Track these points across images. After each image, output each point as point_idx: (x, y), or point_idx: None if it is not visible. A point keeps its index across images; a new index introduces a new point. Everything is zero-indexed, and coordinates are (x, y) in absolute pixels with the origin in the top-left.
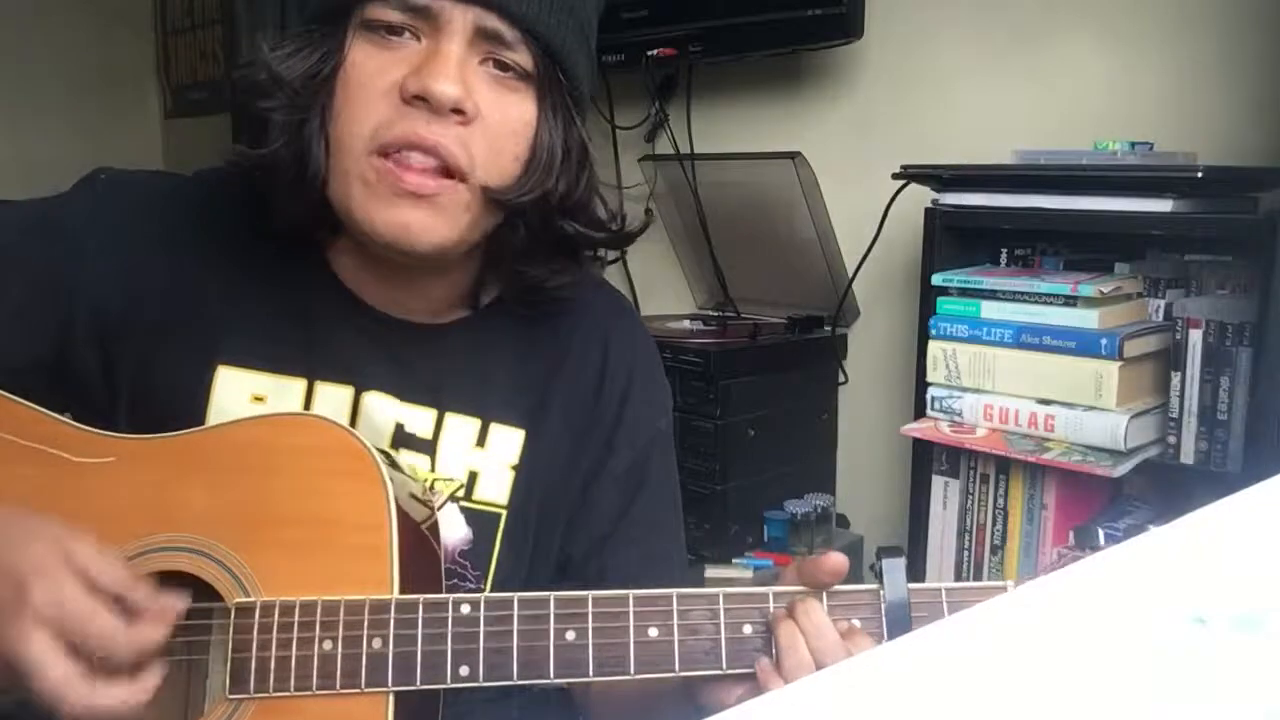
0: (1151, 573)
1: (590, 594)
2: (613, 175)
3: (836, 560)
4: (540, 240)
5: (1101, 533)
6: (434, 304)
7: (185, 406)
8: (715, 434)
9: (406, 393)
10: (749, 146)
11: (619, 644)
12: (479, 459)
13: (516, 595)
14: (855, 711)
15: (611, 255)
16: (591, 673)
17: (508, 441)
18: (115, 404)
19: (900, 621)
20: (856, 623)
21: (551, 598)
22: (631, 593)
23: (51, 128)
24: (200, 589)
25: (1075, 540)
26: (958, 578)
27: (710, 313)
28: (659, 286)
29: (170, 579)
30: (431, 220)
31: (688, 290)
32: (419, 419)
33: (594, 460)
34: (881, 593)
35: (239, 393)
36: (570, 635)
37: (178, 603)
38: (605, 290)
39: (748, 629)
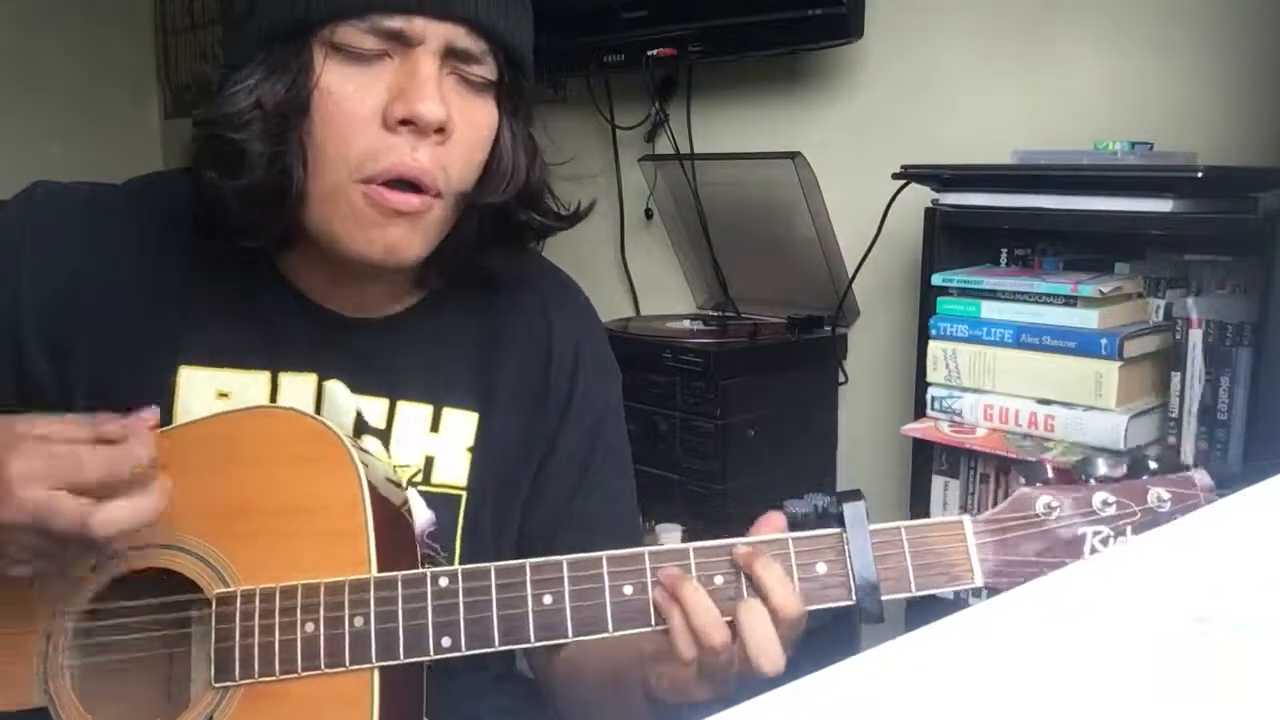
0: (1151, 573)
1: (564, 559)
2: (613, 173)
3: (774, 520)
4: (497, 230)
5: (1049, 466)
6: (382, 296)
7: None
8: (715, 434)
9: (359, 384)
10: (749, 146)
11: (596, 605)
12: (434, 443)
13: (493, 565)
14: (854, 711)
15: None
16: (571, 634)
17: (462, 425)
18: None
19: (864, 561)
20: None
21: (527, 565)
22: (604, 554)
23: (51, 128)
24: (181, 585)
25: (1024, 477)
26: None
27: (710, 313)
28: (659, 286)
29: (150, 577)
30: (412, 237)
31: (688, 290)
32: (372, 408)
33: (547, 438)
34: (844, 536)
35: (204, 391)
36: (548, 600)
37: (148, 413)
38: (546, 268)
39: (719, 580)
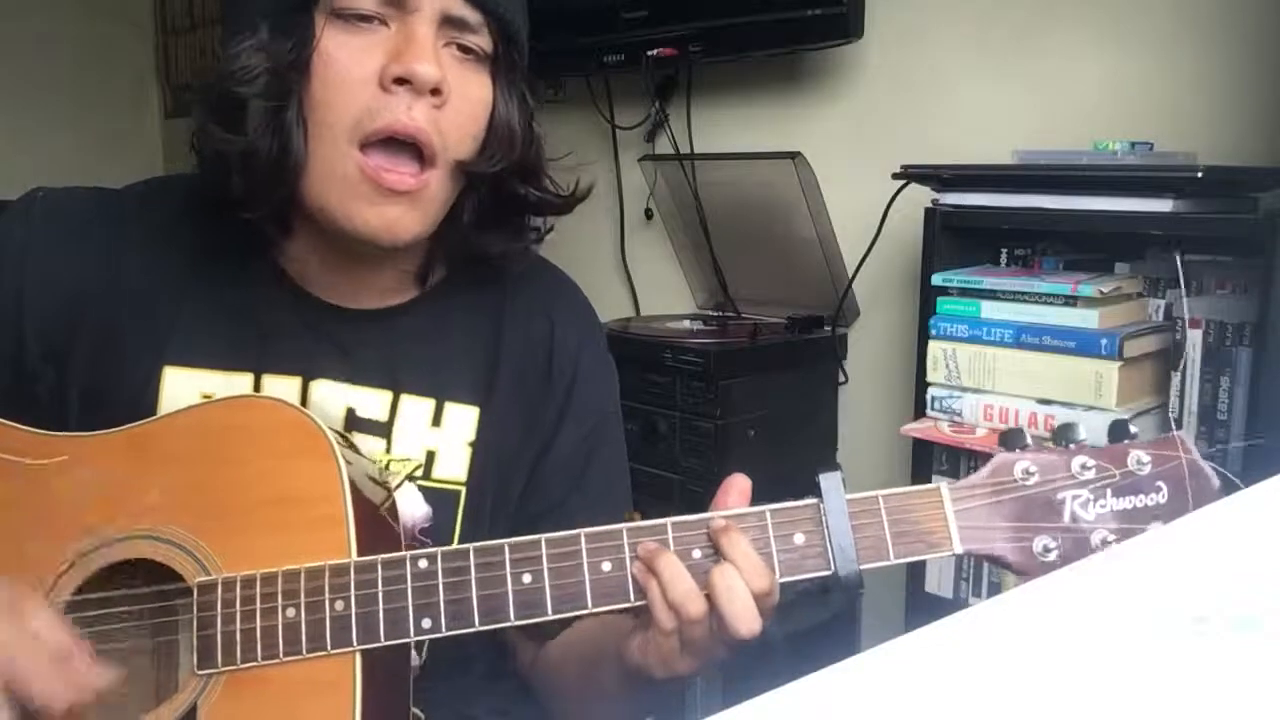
0: (1152, 573)
1: (543, 537)
2: (613, 173)
3: (739, 483)
4: (493, 208)
5: (1028, 432)
6: (383, 290)
7: (135, 411)
8: (715, 434)
9: (358, 377)
10: (749, 146)
11: (575, 581)
12: (436, 438)
13: (472, 546)
14: (854, 711)
15: (548, 225)
16: (550, 611)
17: (463, 419)
18: (66, 416)
19: (841, 529)
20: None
21: (506, 544)
22: (582, 531)
23: (52, 128)
24: (163, 574)
25: (1003, 442)
26: (959, 579)
27: (710, 313)
28: (659, 286)
29: (132, 566)
30: (411, 214)
31: (688, 290)
32: (373, 402)
33: (544, 437)
34: (821, 505)
35: (188, 393)
36: (527, 578)
37: (111, 673)
38: (547, 268)
39: (696, 553)
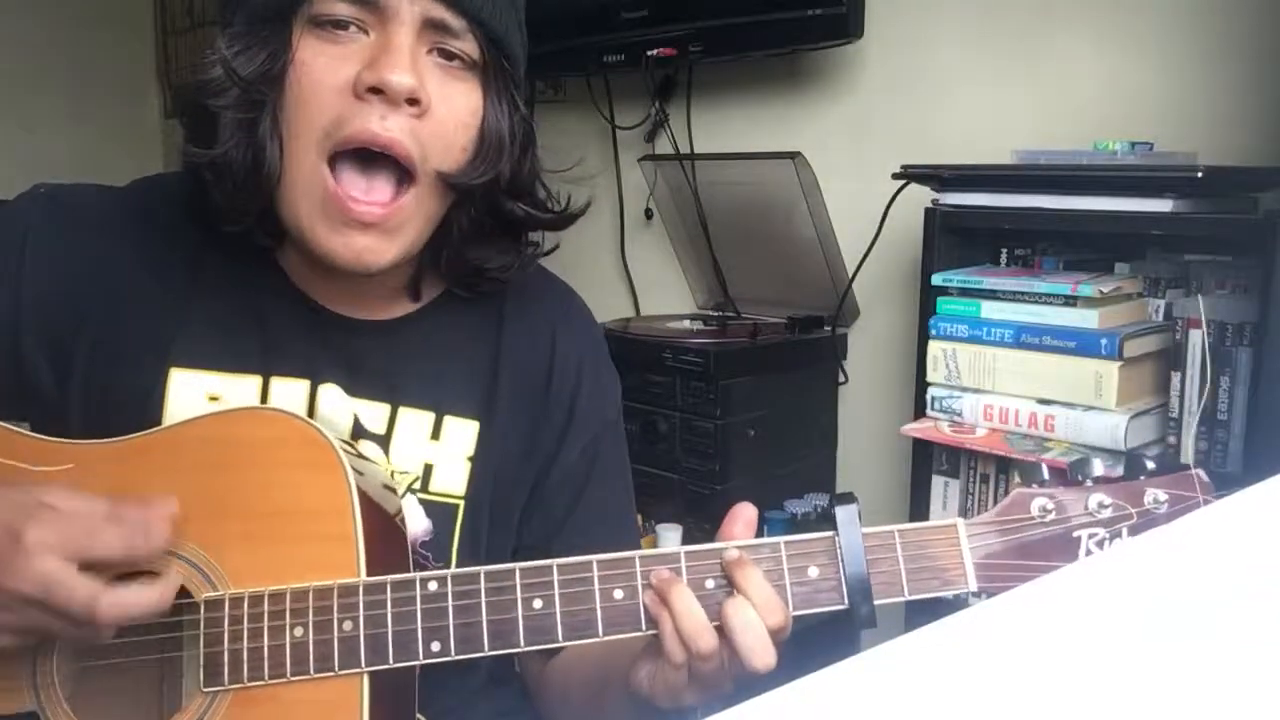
0: (1151, 573)
1: (554, 563)
2: (613, 173)
3: (745, 512)
4: (485, 222)
5: (1046, 466)
6: (382, 299)
7: (141, 412)
8: (715, 434)
9: (359, 388)
10: (749, 146)
11: (586, 609)
12: (434, 451)
13: (482, 569)
14: (854, 711)
15: (549, 243)
16: (561, 638)
17: (462, 433)
18: (69, 415)
19: (856, 564)
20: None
21: (516, 569)
22: (595, 558)
23: (51, 127)
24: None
25: (1020, 477)
26: None
27: (710, 313)
28: (659, 286)
29: (137, 580)
30: (381, 244)
31: (688, 290)
32: (372, 414)
33: (547, 451)
34: (836, 539)
35: (194, 394)
36: (538, 604)
37: (169, 502)
38: (547, 279)
39: (710, 584)
